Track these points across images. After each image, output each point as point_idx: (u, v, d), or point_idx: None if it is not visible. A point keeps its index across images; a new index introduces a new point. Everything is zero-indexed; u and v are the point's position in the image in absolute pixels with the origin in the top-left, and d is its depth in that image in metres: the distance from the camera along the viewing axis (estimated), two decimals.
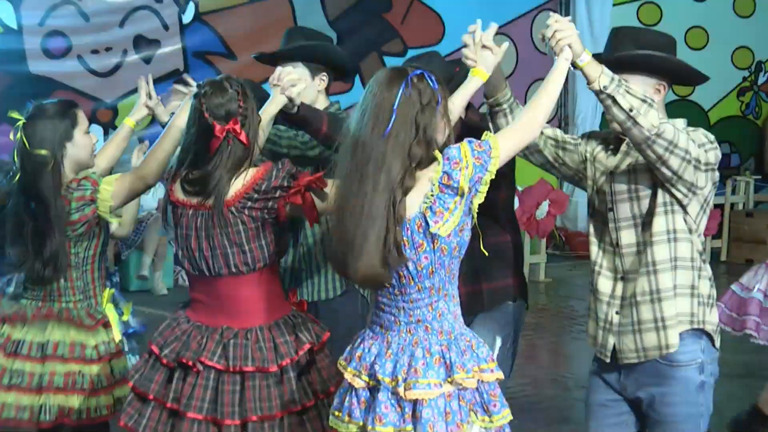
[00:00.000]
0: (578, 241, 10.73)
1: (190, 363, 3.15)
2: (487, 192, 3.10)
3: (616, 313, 3.23)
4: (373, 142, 2.70)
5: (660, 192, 3.14)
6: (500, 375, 2.82)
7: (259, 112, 3.29)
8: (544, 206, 9.41)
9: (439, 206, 2.71)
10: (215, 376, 3.15)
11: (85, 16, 8.86)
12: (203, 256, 3.18)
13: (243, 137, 3.12)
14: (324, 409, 3.20)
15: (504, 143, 2.80)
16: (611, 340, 3.23)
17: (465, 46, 3.14)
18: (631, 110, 2.96)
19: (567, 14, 10.07)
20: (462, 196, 2.72)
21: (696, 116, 11.29)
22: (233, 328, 3.19)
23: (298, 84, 3.36)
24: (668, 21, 11.05)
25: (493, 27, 3.16)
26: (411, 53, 9.60)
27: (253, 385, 3.14)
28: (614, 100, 2.96)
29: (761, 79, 12.79)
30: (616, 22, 9.92)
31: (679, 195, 3.12)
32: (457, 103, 3.10)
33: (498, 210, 3.60)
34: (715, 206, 10.79)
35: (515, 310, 3.69)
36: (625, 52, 3.18)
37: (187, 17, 9.24)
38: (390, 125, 2.69)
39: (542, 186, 9.42)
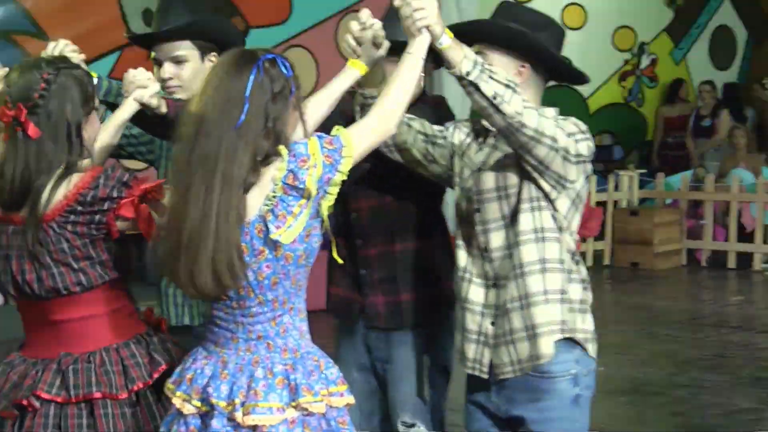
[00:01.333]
0: None
1: (24, 402, 3.00)
2: (410, 187, 3.19)
3: (492, 324, 3.31)
4: (222, 132, 2.70)
5: (526, 186, 3.22)
6: (351, 400, 2.84)
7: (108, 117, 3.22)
8: None
9: (281, 209, 2.72)
10: (56, 412, 3.01)
11: None
12: (26, 280, 3.03)
13: (29, 128, 2.96)
14: None
15: (358, 141, 2.84)
16: (488, 354, 3.31)
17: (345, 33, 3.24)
18: (494, 97, 3.04)
19: None
20: (308, 198, 2.73)
21: (574, 104, 11.54)
22: (73, 354, 3.06)
23: (150, 86, 3.27)
24: None
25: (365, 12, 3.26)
26: (253, 33, 9.62)
27: (105, 413, 3.01)
28: (476, 87, 3.04)
29: (644, 63, 13.22)
30: None
31: (546, 187, 3.21)
32: (323, 99, 3.20)
33: (420, 209, 3.68)
34: (598, 204, 11.10)
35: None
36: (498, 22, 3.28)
37: None
38: (243, 115, 2.71)
39: None
